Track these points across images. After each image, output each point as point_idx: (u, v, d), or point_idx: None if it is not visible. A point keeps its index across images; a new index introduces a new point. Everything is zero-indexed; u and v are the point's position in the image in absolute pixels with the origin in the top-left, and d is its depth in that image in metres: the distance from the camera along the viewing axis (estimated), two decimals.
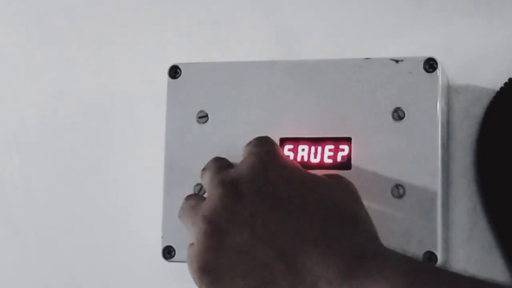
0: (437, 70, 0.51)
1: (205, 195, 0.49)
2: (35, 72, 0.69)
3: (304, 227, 0.43)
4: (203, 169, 0.51)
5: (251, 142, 0.49)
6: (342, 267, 0.40)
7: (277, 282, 0.42)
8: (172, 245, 0.55)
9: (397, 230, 0.51)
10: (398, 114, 0.52)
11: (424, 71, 0.52)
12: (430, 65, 0.52)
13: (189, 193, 0.53)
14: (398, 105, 0.52)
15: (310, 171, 0.49)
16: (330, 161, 0.53)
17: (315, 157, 0.53)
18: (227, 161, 0.51)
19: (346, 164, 0.52)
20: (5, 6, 0.70)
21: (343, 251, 0.42)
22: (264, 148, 0.48)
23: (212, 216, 0.45)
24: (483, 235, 0.56)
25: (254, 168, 0.46)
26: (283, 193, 0.45)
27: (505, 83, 0.56)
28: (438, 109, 0.51)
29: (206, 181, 0.49)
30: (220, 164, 0.50)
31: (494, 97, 0.56)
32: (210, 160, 0.51)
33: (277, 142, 0.52)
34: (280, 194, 0.45)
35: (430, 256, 0.50)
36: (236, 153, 0.50)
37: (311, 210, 0.44)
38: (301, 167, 0.49)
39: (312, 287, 0.40)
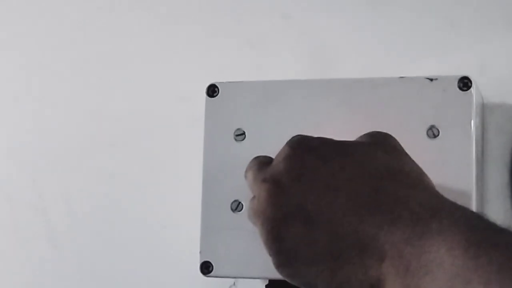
0: (471, 88, 0.51)
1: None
2: (74, 94, 0.70)
3: (356, 201, 0.42)
4: (246, 170, 0.51)
5: None
6: (405, 230, 0.40)
7: (347, 259, 0.41)
8: (210, 261, 0.55)
9: None
10: (432, 132, 0.52)
11: (458, 89, 0.52)
12: (465, 83, 0.52)
13: (226, 210, 0.55)
14: (432, 123, 0.52)
15: None
16: None
17: None
18: (266, 157, 0.50)
19: None
20: (44, 28, 0.72)
21: (402, 213, 0.40)
22: (293, 139, 0.48)
23: (265, 217, 0.45)
24: None
25: (289, 159, 0.46)
26: (325, 174, 0.44)
27: None
28: (472, 127, 0.51)
29: (249, 180, 0.49)
30: (260, 161, 0.50)
31: None
32: (251, 160, 0.51)
33: None
34: (323, 176, 0.44)
35: None
36: None
37: (357, 181, 0.43)
38: (333, 141, 0.47)
39: (380, 254, 0.40)
